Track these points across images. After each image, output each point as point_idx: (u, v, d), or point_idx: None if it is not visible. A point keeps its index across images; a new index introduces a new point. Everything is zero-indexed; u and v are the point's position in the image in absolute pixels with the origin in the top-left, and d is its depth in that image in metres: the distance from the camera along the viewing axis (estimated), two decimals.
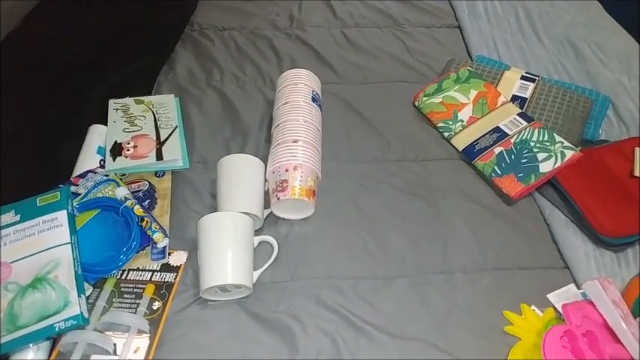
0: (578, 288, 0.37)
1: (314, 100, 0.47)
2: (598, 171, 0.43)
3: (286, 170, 0.40)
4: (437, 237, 0.41)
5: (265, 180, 0.43)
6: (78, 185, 0.42)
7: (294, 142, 0.42)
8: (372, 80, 0.55)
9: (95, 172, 0.43)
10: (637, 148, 0.44)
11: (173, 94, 0.52)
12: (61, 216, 0.37)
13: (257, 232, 0.40)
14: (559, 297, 0.37)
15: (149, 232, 0.39)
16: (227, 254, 0.36)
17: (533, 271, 0.39)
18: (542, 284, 0.38)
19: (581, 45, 0.57)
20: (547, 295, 0.37)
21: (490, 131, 0.47)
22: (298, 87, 0.47)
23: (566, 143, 0.44)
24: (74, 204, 0.39)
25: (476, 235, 0.41)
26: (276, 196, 0.40)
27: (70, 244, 0.35)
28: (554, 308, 0.36)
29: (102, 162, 0.44)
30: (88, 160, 0.44)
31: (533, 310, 0.36)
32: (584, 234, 0.40)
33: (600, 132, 0.48)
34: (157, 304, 0.36)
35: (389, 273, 0.39)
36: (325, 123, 0.47)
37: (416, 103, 0.51)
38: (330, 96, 0.52)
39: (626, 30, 0.59)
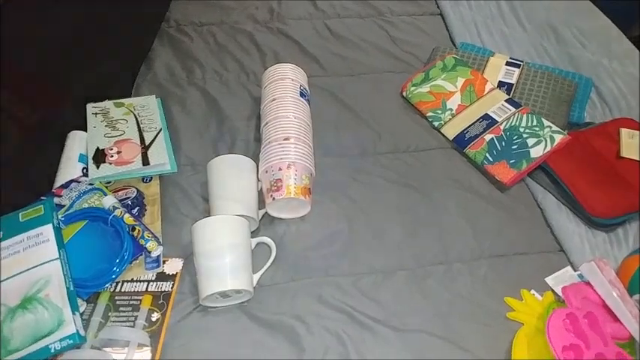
0: (575, 270, 0.38)
1: (302, 95, 0.46)
2: (586, 154, 0.44)
3: (279, 169, 0.39)
4: (433, 227, 0.41)
5: (258, 180, 0.42)
6: (61, 196, 0.40)
7: (286, 139, 0.41)
8: (358, 72, 0.54)
9: (79, 182, 0.41)
10: (622, 129, 0.45)
11: (154, 95, 0.50)
12: (47, 230, 0.35)
13: (253, 234, 0.39)
14: (557, 280, 0.38)
15: (142, 241, 0.37)
16: (225, 259, 0.35)
17: (530, 256, 0.39)
18: (539, 268, 0.38)
19: (562, 29, 0.58)
20: (545, 279, 0.38)
21: (479, 119, 0.47)
22: (285, 82, 0.46)
23: (555, 127, 0.45)
24: (59, 216, 0.38)
25: (471, 224, 0.41)
26: (271, 196, 0.39)
27: (59, 260, 0.34)
28: (553, 291, 0.37)
29: (85, 170, 0.42)
30: (69, 168, 0.42)
31: (533, 294, 0.37)
32: (577, 216, 0.41)
33: (585, 115, 0.49)
34: (155, 315, 0.35)
35: (388, 267, 0.39)
36: (313, 117, 0.46)
37: (404, 94, 0.51)
38: (317, 89, 0.51)
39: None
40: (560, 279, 0.37)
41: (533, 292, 0.37)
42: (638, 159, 0.43)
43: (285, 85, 0.45)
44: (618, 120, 0.46)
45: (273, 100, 0.44)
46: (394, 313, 0.36)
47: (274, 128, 0.42)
